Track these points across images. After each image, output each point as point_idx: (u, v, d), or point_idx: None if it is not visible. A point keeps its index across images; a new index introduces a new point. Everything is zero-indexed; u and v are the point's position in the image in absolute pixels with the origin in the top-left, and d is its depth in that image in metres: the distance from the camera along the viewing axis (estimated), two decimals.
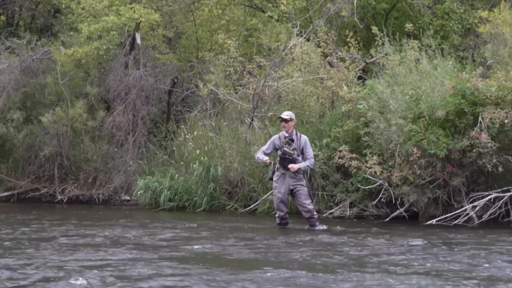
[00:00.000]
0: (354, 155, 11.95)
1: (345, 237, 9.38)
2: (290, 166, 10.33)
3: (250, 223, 11.28)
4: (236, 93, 15.18)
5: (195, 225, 11.00)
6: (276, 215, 10.67)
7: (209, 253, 8.00)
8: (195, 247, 8.40)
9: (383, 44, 13.61)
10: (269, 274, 6.49)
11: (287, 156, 10.37)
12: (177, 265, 7.00)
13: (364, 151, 12.02)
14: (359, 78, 14.18)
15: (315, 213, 10.52)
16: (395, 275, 6.46)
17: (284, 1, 15.91)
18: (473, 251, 8.09)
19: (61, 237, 9.33)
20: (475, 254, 7.82)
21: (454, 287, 6.00)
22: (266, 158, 10.58)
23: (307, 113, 13.47)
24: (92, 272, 6.46)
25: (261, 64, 14.99)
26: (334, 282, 6.16)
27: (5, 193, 16.24)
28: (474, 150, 10.92)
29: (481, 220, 11.11)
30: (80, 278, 6.14)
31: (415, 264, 7.16)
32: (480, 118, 10.95)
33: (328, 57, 14.50)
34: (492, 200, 11.27)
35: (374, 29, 14.32)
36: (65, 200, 15.62)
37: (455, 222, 11.05)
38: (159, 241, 9.02)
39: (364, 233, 9.86)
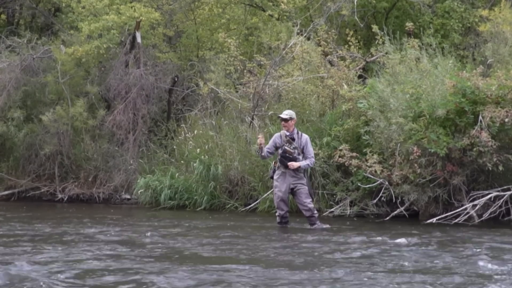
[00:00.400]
0: (354, 154, 11.95)
1: (331, 235, 9.43)
2: (289, 164, 10.33)
3: (239, 222, 11.33)
4: (237, 91, 15.18)
5: (187, 224, 11.01)
6: (277, 214, 10.67)
7: (181, 250, 8.04)
8: (170, 243, 8.48)
9: (383, 43, 13.61)
10: (234, 272, 6.53)
11: (287, 155, 10.37)
12: (140, 261, 7.07)
13: (365, 150, 12.03)
14: (360, 77, 14.19)
15: (315, 212, 10.53)
16: (368, 273, 6.51)
17: (285, 0, 15.91)
18: (460, 249, 8.15)
19: (41, 234, 9.38)
20: (461, 252, 7.88)
21: (418, 284, 6.03)
22: (260, 138, 10.55)
23: (307, 112, 13.47)
24: (47, 267, 6.53)
25: (262, 63, 14.99)
26: (288, 278, 6.24)
27: (6, 192, 16.25)
28: (475, 149, 10.92)
29: (481, 219, 11.11)
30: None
31: (392, 261, 7.22)
32: (480, 117, 10.96)
33: (329, 56, 14.50)
34: (492, 199, 11.27)
35: (375, 28, 14.31)
36: (65, 199, 15.63)
37: (456, 221, 11.07)
38: (138, 238, 9.06)
39: (350, 232, 9.91)
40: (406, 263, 7.10)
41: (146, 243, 8.58)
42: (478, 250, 8.06)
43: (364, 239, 9.04)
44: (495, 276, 6.40)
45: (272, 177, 10.72)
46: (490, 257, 7.45)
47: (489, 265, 6.95)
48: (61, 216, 12.41)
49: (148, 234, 9.45)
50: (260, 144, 10.50)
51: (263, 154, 10.60)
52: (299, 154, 10.46)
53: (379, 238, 9.10)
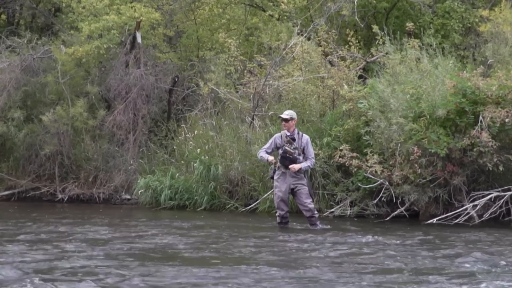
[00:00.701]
0: (354, 154, 11.95)
1: (319, 235, 9.47)
2: (290, 166, 10.33)
3: (231, 222, 11.40)
4: (237, 92, 15.17)
5: (171, 224, 11.03)
6: (277, 214, 10.67)
7: (153, 249, 8.09)
8: (147, 243, 8.55)
9: (383, 43, 13.60)
10: (201, 270, 6.57)
11: (288, 155, 10.37)
12: (108, 259, 7.17)
13: (365, 150, 12.02)
14: (360, 77, 14.18)
15: (315, 212, 10.52)
16: (346, 272, 6.57)
17: (285, 0, 15.90)
18: (443, 249, 8.21)
19: (21, 234, 9.44)
20: (441, 252, 7.95)
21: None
22: (271, 157, 10.55)
23: (307, 112, 13.47)
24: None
25: (262, 63, 14.97)
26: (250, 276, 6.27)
27: (6, 192, 16.23)
28: (475, 149, 10.93)
29: (481, 219, 11.12)
30: None
31: (375, 260, 7.28)
32: (480, 117, 10.96)
33: (329, 56, 14.49)
34: (492, 199, 11.28)
35: (375, 28, 14.31)
36: (65, 199, 15.62)
37: (456, 221, 11.07)
38: (117, 238, 9.12)
39: (343, 232, 9.98)
40: (387, 262, 7.17)
41: (122, 242, 8.64)
42: (463, 250, 8.12)
43: (355, 239, 9.12)
44: (479, 276, 6.44)
45: (272, 177, 10.72)
46: (473, 257, 7.52)
47: (469, 265, 7.02)
48: (50, 216, 12.41)
49: (133, 234, 9.50)
50: (272, 162, 10.54)
51: (267, 159, 10.60)
52: (299, 155, 10.45)
53: (375, 238, 9.15)
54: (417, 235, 9.55)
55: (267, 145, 10.74)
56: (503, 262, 7.18)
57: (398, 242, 8.83)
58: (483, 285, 5.99)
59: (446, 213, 11.31)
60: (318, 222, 10.43)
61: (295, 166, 10.33)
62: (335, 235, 9.54)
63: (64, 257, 7.25)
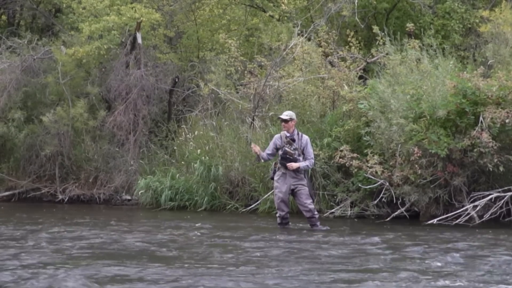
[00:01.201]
0: (355, 155, 11.95)
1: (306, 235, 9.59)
2: (288, 164, 10.34)
3: (216, 222, 11.39)
4: (237, 92, 15.17)
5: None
6: (277, 215, 10.67)
7: (133, 249, 8.17)
8: (128, 242, 8.66)
9: (384, 43, 13.61)
10: (168, 269, 6.63)
11: (288, 156, 10.37)
12: (81, 257, 7.33)
13: (365, 151, 12.03)
14: (360, 77, 14.18)
15: (316, 213, 10.53)
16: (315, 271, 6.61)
17: (285, 1, 15.90)
18: (417, 248, 8.27)
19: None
20: (413, 251, 8.01)
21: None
22: (256, 148, 10.63)
23: (308, 112, 13.47)
24: None
25: (262, 63, 14.97)
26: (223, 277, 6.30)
27: (6, 193, 16.21)
28: (475, 150, 10.93)
29: (482, 220, 11.12)
30: None
31: (353, 260, 7.34)
32: (481, 118, 10.96)
33: (329, 57, 14.49)
34: (493, 200, 11.28)
35: (375, 28, 14.31)
36: (66, 200, 15.61)
37: (456, 221, 11.07)
38: (101, 237, 9.19)
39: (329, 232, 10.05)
40: (365, 260, 7.26)
41: (98, 241, 8.73)
42: (453, 250, 8.15)
43: (344, 239, 9.19)
44: (456, 277, 6.45)
45: (272, 178, 10.73)
46: (446, 256, 7.57)
47: (439, 263, 7.08)
48: (38, 217, 12.45)
49: (101, 234, 9.55)
50: (256, 152, 10.57)
51: (261, 160, 10.69)
52: (299, 155, 10.46)
53: (367, 238, 9.21)
54: (412, 235, 9.57)
55: (268, 147, 10.76)
56: (486, 262, 7.23)
57: (382, 241, 8.85)
58: (457, 284, 6.02)
59: (446, 214, 11.31)
60: (318, 223, 10.43)
61: (293, 165, 10.34)
62: (328, 235, 9.55)
63: (18, 255, 7.35)
